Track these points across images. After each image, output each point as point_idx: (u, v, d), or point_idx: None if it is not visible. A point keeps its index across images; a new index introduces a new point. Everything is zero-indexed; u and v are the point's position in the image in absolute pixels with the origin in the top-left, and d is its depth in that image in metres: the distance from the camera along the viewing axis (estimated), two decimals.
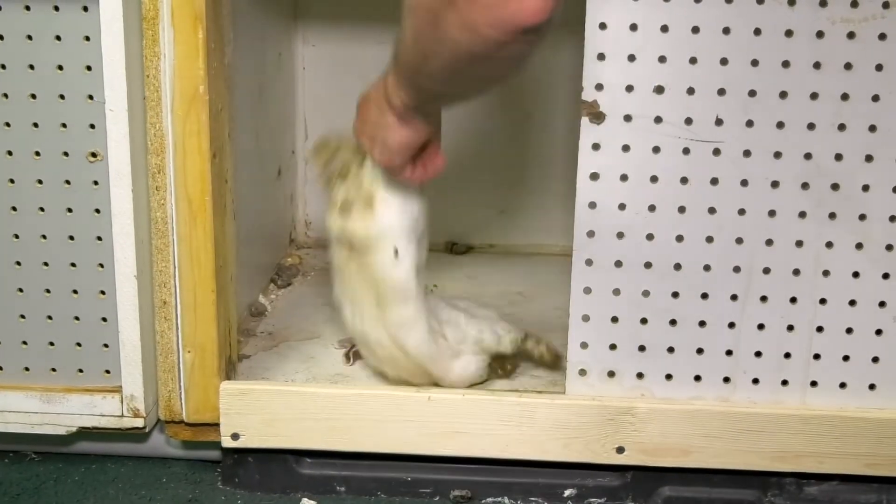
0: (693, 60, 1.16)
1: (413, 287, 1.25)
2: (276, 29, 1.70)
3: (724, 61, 1.15)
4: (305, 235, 1.91)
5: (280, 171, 1.76)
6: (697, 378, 1.25)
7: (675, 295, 1.23)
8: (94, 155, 1.23)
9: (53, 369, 1.30)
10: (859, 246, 1.20)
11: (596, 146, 1.19)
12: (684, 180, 1.19)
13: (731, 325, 1.23)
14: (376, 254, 1.25)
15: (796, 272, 1.21)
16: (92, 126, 1.22)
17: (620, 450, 1.26)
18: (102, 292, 1.27)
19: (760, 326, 1.23)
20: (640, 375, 1.26)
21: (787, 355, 1.24)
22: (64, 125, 1.23)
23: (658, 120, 1.18)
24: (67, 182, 1.24)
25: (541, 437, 1.27)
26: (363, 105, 1.20)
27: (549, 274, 1.71)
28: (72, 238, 1.26)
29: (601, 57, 1.16)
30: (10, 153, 1.24)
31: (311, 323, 1.54)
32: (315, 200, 1.90)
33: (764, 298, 1.22)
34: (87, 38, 1.20)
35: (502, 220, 1.86)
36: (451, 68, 0.99)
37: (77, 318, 1.29)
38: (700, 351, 1.24)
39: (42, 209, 1.25)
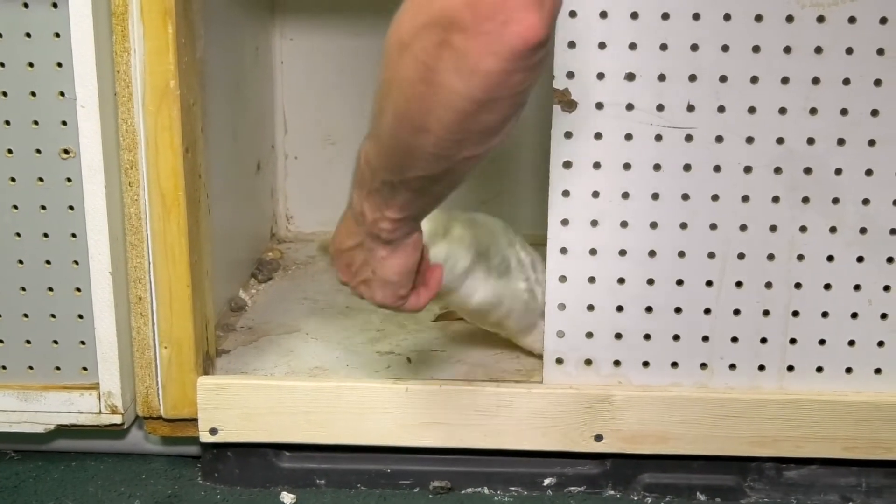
0: (664, 47, 1.16)
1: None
2: (253, 23, 1.70)
3: (694, 47, 1.15)
4: (286, 230, 1.91)
5: (259, 166, 1.76)
6: (674, 365, 1.25)
7: (651, 282, 1.23)
8: (66, 152, 1.23)
9: (30, 367, 1.30)
10: (833, 229, 1.20)
11: (568, 134, 1.19)
12: (657, 167, 1.19)
13: (707, 311, 1.23)
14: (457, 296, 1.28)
15: (771, 257, 1.21)
16: (64, 123, 1.22)
17: (599, 438, 1.27)
18: (78, 289, 1.27)
19: (736, 312, 1.23)
20: (617, 363, 1.26)
21: (764, 340, 1.24)
22: (36, 122, 1.22)
23: (630, 107, 1.18)
24: (40, 179, 1.24)
25: (519, 427, 1.27)
26: (339, 255, 1.09)
27: None
28: (46, 235, 1.26)
29: (572, 45, 1.16)
30: None
31: (291, 317, 1.53)
32: (296, 195, 1.90)
33: (739, 284, 1.22)
34: (57, 35, 1.20)
35: (477, 209, 1.86)
36: (451, 133, 0.86)
37: (53, 316, 1.28)
38: (676, 337, 1.24)
39: (15, 207, 1.25)
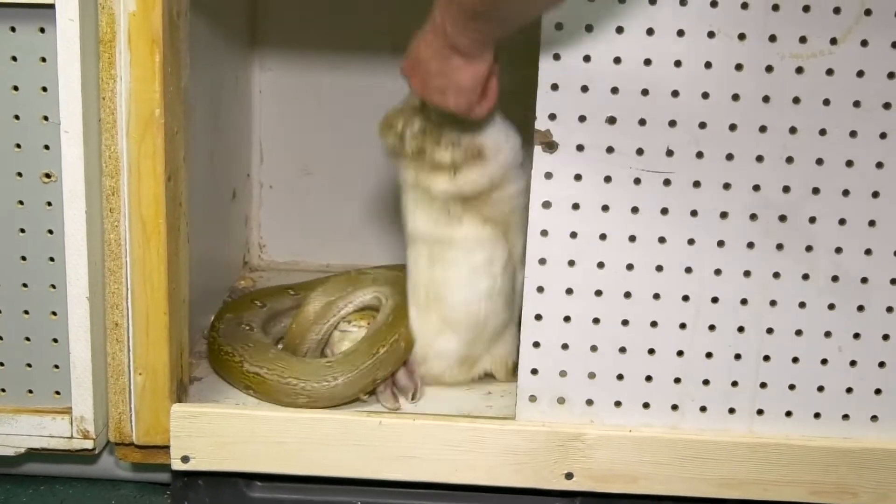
0: (645, 92, 1.17)
1: None
2: (233, 53, 1.70)
3: (675, 93, 1.17)
4: (259, 258, 1.91)
5: (235, 194, 1.77)
6: (646, 405, 1.26)
7: (625, 323, 1.24)
8: (48, 176, 1.23)
9: (3, 390, 1.30)
10: (806, 277, 1.22)
11: (549, 175, 1.20)
12: (635, 210, 1.21)
13: (680, 353, 1.25)
14: (504, 190, 1.33)
15: (744, 302, 1.23)
16: (46, 147, 1.22)
17: (569, 476, 1.27)
18: (54, 313, 1.27)
19: (708, 355, 1.25)
20: (589, 402, 1.27)
21: (735, 384, 1.26)
22: (18, 145, 1.22)
23: (610, 150, 1.19)
24: (20, 202, 1.24)
25: (490, 463, 1.27)
26: (415, 66, 1.18)
27: None
28: (24, 258, 1.26)
29: (554, 87, 1.18)
30: None
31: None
32: (270, 224, 1.91)
33: (712, 327, 1.24)
34: (44, 60, 1.20)
35: None
36: None
37: (28, 339, 1.28)
38: (649, 378, 1.26)
39: None
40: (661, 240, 1.21)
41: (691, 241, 1.21)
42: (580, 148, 1.19)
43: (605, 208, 1.21)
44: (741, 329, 1.24)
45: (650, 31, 1.16)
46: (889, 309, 1.23)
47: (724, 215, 1.21)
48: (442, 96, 1.17)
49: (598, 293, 1.23)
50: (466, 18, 1.07)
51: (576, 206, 1.21)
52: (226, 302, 1.47)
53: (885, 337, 1.24)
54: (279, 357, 1.37)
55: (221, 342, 1.40)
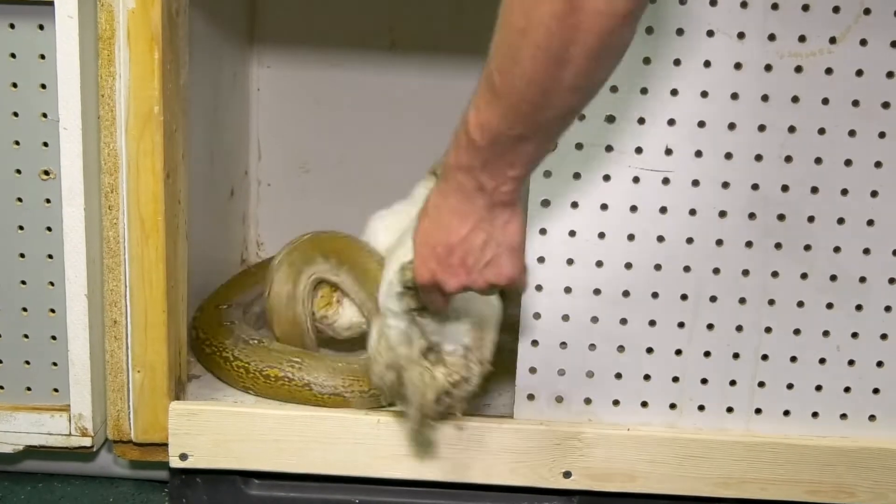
0: (644, 91, 1.17)
1: None
2: (231, 50, 1.70)
3: (674, 92, 1.17)
4: (257, 256, 1.91)
5: (233, 192, 1.77)
6: (644, 404, 1.27)
7: (624, 321, 1.24)
8: (46, 173, 1.23)
9: (1, 387, 1.30)
10: (804, 276, 1.22)
11: (547, 174, 1.20)
12: (634, 208, 1.21)
13: (678, 352, 1.25)
14: None
15: (742, 301, 1.23)
16: (45, 144, 1.22)
17: (567, 474, 1.27)
18: (52, 310, 1.27)
19: (707, 354, 1.25)
20: (587, 401, 1.27)
21: (733, 383, 1.26)
22: (17, 142, 1.22)
23: (609, 149, 1.19)
24: (19, 199, 1.24)
25: (489, 461, 1.27)
26: (446, 261, 1.03)
27: None
28: (22, 256, 1.26)
29: None
30: None
31: None
32: (267, 221, 1.91)
33: (710, 326, 1.24)
34: (43, 57, 1.20)
35: None
36: (591, 58, 0.89)
37: (26, 336, 1.28)
38: (647, 377, 1.26)
39: None
40: (660, 238, 1.21)
41: (690, 240, 1.21)
42: (579, 147, 1.19)
43: (604, 207, 1.21)
44: (739, 328, 1.24)
45: (649, 31, 1.16)
46: (887, 308, 1.23)
47: (722, 214, 1.21)
48: (497, 269, 1.03)
49: (597, 292, 1.23)
50: (508, 159, 0.97)
51: (574, 205, 1.21)
52: (195, 317, 1.44)
53: (884, 336, 1.24)
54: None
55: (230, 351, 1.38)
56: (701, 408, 1.26)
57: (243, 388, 1.35)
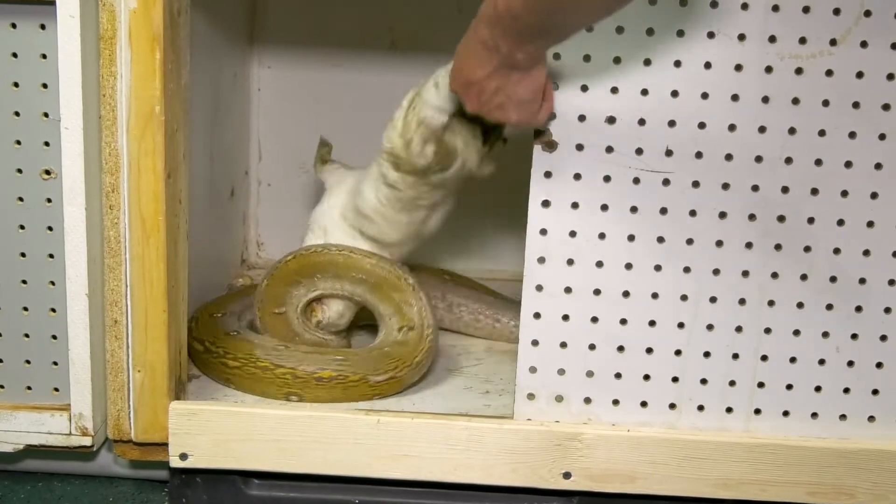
0: (644, 92, 1.18)
1: None
2: (232, 50, 1.70)
3: (674, 93, 1.17)
4: (257, 256, 1.92)
5: (233, 192, 1.77)
6: (644, 404, 1.27)
7: (624, 322, 1.24)
8: (48, 172, 1.23)
9: (1, 386, 1.30)
10: (804, 277, 1.22)
11: (548, 174, 1.20)
12: (634, 209, 1.21)
13: (678, 352, 1.25)
14: None
15: (742, 301, 1.23)
16: (46, 143, 1.22)
17: (567, 475, 1.28)
18: (53, 310, 1.27)
19: (706, 354, 1.25)
20: (587, 400, 1.27)
21: (732, 383, 1.26)
22: (18, 142, 1.23)
23: (609, 150, 1.19)
24: (20, 199, 1.24)
25: (489, 462, 1.27)
26: (467, 86, 1.15)
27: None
28: (23, 255, 1.26)
29: (554, 86, 1.18)
30: None
31: None
32: (268, 222, 1.91)
33: (710, 327, 1.24)
34: (44, 56, 1.20)
35: (454, 245, 1.87)
36: None
37: (27, 336, 1.28)
38: (647, 377, 1.26)
39: None
40: (660, 239, 1.22)
41: (690, 241, 1.22)
42: (580, 147, 1.19)
43: (605, 207, 1.21)
44: (739, 329, 1.24)
45: (650, 32, 1.16)
46: (887, 310, 1.24)
47: (722, 215, 1.21)
48: (503, 112, 1.15)
49: (597, 292, 1.24)
50: (522, 38, 1.06)
51: (575, 206, 1.21)
52: (190, 328, 1.44)
53: (883, 338, 1.24)
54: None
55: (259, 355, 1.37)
56: (700, 408, 1.27)
57: (287, 395, 1.34)
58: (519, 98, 1.13)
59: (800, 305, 1.23)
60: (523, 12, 1.02)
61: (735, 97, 1.17)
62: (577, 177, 1.20)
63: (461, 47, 1.13)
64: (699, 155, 1.19)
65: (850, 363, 1.25)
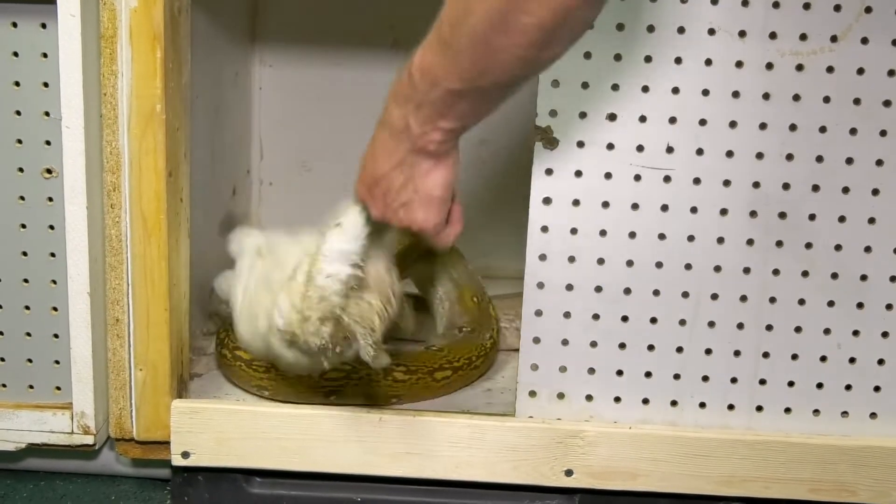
0: (645, 89, 1.18)
1: None
2: (233, 49, 1.70)
3: (675, 90, 1.17)
4: None
5: (235, 191, 1.77)
6: (645, 401, 1.27)
7: (625, 319, 1.24)
8: (49, 171, 1.23)
9: (3, 385, 1.30)
10: (805, 274, 1.22)
11: (549, 171, 1.20)
12: (635, 206, 1.21)
13: (679, 349, 1.25)
14: None
15: (743, 298, 1.23)
16: (48, 142, 1.22)
17: (569, 472, 1.28)
18: (55, 308, 1.27)
19: (708, 351, 1.25)
20: (589, 398, 1.27)
21: (734, 380, 1.26)
22: (19, 141, 1.23)
23: (610, 147, 1.19)
24: (22, 198, 1.24)
25: (490, 459, 1.27)
26: (371, 186, 1.07)
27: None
28: (25, 254, 1.26)
29: (555, 84, 1.18)
30: None
31: None
32: (270, 220, 1.91)
33: (711, 324, 1.24)
34: (45, 55, 1.20)
35: (456, 242, 1.87)
36: (544, 31, 0.89)
37: (29, 334, 1.28)
38: (648, 374, 1.26)
39: None
40: (661, 236, 1.22)
41: (691, 238, 1.22)
42: (580, 144, 1.19)
43: (606, 205, 1.21)
44: (741, 326, 1.24)
45: (650, 29, 1.16)
46: (888, 306, 1.23)
47: (723, 212, 1.21)
48: (408, 212, 1.05)
49: (598, 289, 1.23)
50: (438, 111, 0.98)
51: (576, 203, 1.21)
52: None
53: (885, 334, 1.24)
54: None
55: None
56: (702, 405, 1.27)
57: (393, 396, 1.34)
58: (427, 193, 1.04)
59: (801, 302, 1.23)
60: (445, 73, 0.95)
61: (736, 94, 1.17)
62: (578, 174, 1.20)
63: (367, 149, 1.07)
64: (700, 152, 1.19)
65: (852, 360, 1.25)
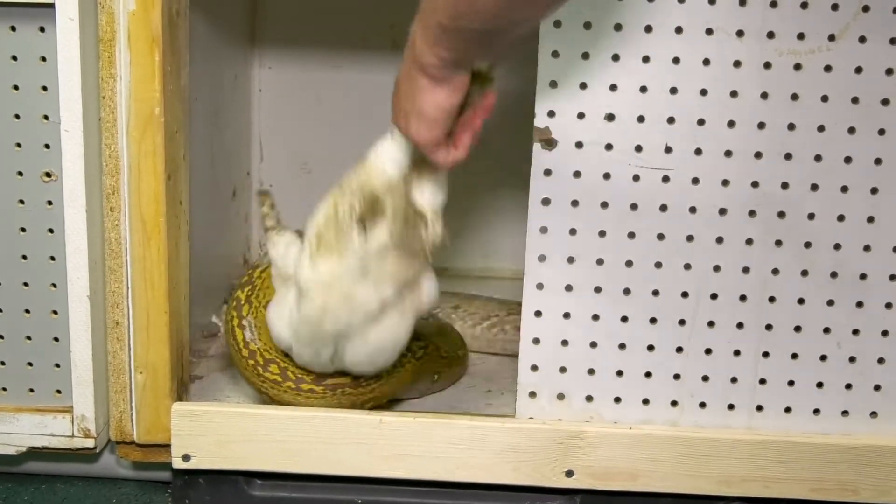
0: (643, 89, 1.18)
1: None
2: (232, 51, 1.70)
3: (673, 90, 1.17)
4: (259, 256, 1.91)
5: (235, 192, 1.77)
6: (646, 401, 1.27)
7: (625, 319, 1.24)
8: (48, 175, 1.23)
9: (4, 388, 1.30)
10: (805, 273, 1.22)
11: (547, 172, 1.20)
12: (634, 206, 1.21)
13: (679, 349, 1.25)
14: None
15: (743, 298, 1.23)
16: (47, 146, 1.22)
17: (570, 473, 1.28)
18: (55, 312, 1.27)
19: (708, 351, 1.25)
20: (589, 398, 1.27)
21: (734, 380, 1.26)
22: (18, 145, 1.23)
23: (609, 147, 1.19)
24: (21, 202, 1.24)
25: (491, 461, 1.27)
26: (396, 83, 1.11)
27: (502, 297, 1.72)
28: (24, 258, 1.26)
29: (553, 84, 1.18)
30: None
31: None
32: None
33: (711, 324, 1.24)
34: (44, 59, 1.20)
35: (455, 243, 1.87)
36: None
37: (29, 338, 1.28)
38: (648, 375, 1.26)
39: None
40: (660, 236, 1.22)
41: (690, 238, 1.22)
42: (579, 145, 1.19)
43: (604, 205, 1.21)
44: (740, 325, 1.24)
45: (648, 29, 1.16)
46: (888, 305, 1.23)
47: (722, 212, 1.21)
48: (405, 120, 1.10)
49: (598, 290, 1.23)
50: (436, 32, 1.01)
51: (575, 203, 1.21)
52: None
53: (885, 333, 1.24)
54: None
55: None
56: (702, 405, 1.27)
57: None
58: (420, 109, 1.07)
59: (801, 301, 1.23)
60: (440, 3, 0.99)
61: (734, 93, 1.17)
62: (577, 174, 1.20)
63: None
64: (698, 152, 1.19)
65: (852, 359, 1.25)
